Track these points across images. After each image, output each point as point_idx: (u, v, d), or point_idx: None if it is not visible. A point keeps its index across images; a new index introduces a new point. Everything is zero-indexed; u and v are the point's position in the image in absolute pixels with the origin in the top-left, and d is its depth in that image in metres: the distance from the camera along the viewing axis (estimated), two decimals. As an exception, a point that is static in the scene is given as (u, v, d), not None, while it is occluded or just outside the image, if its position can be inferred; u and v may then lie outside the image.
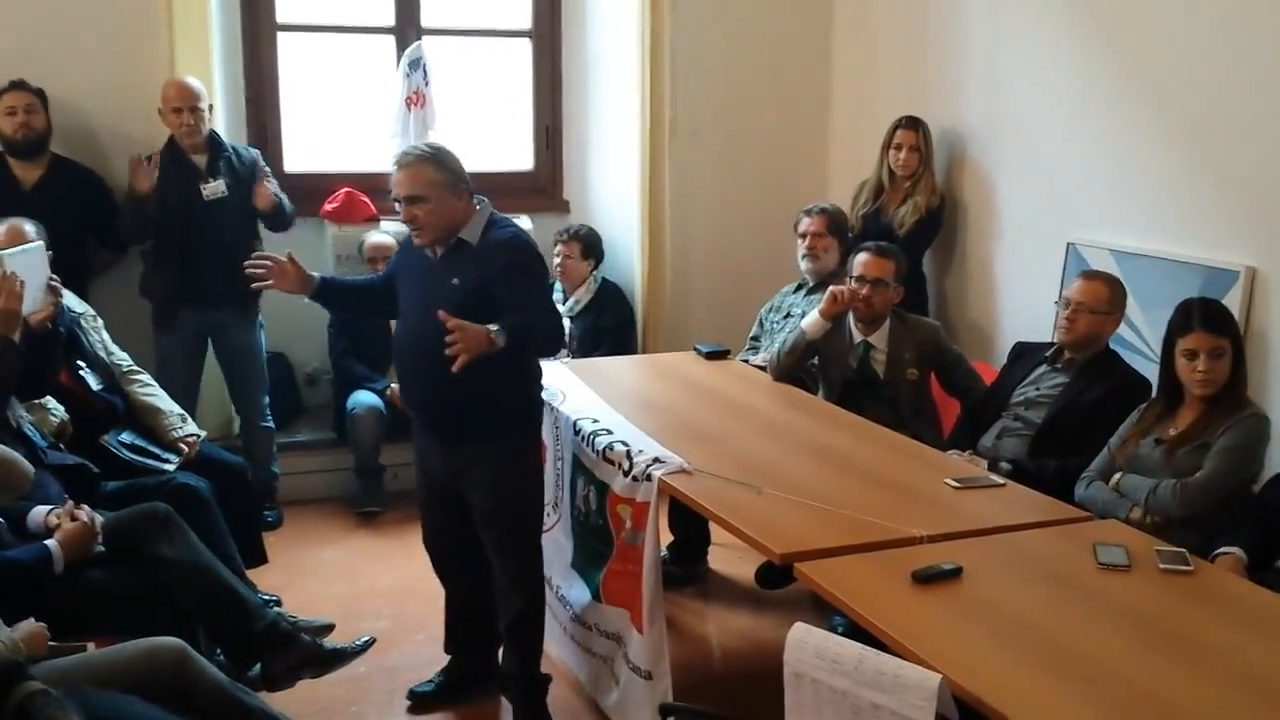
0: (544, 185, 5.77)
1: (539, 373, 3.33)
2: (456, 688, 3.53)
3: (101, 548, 3.02)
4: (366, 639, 3.41)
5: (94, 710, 2.24)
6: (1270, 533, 2.95)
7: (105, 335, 4.00)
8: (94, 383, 3.78)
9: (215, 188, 4.45)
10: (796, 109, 5.72)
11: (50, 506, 3.04)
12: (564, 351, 5.06)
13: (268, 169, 4.68)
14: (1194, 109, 3.93)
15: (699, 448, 3.26)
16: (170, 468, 3.73)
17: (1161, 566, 2.58)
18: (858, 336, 4.09)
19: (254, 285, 3.37)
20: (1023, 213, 4.69)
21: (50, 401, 3.59)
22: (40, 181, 4.52)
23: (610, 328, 5.17)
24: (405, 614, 4.01)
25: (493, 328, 2.97)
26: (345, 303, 3.67)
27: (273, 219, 4.61)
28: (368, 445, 4.93)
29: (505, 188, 5.64)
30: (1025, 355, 3.89)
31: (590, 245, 5.23)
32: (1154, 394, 3.37)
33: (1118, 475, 3.23)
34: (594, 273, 5.24)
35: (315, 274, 3.40)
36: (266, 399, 4.83)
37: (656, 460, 3.13)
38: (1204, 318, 3.12)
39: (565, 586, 3.60)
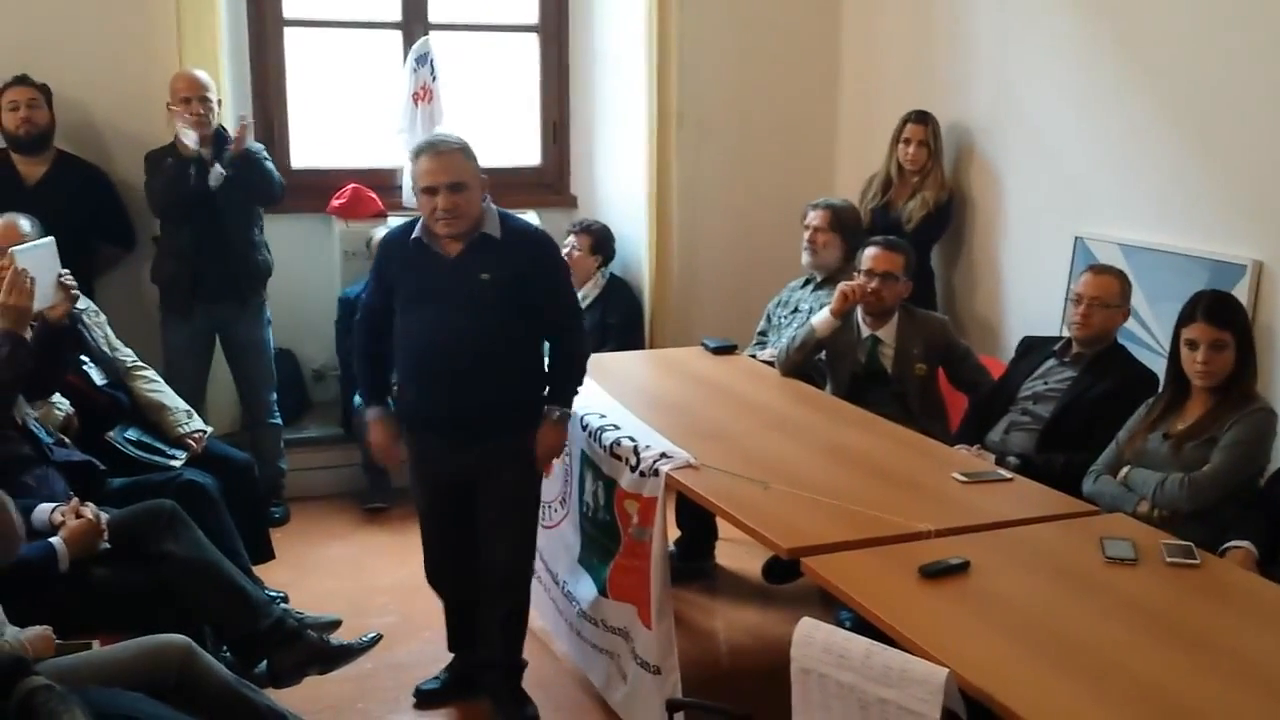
0: (551, 180, 5.77)
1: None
2: (462, 684, 3.52)
3: (107, 545, 3.02)
4: (373, 635, 3.42)
5: (98, 708, 2.25)
6: (1277, 526, 2.94)
7: (109, 331, 3.99)
8: (98, 378, 3.79)
9: (215, 172, 4.43)
10: (804, 103, 5.71)
11: (55, 504, 3.05)
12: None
13: (251, 126, 4.60)
14: (1202, 102, 3.91)
15: (706, 443, 3.26)
16: (177, 464, 3.72)
17: (1168, 560, 2.57)
18: (866, 331, 4.08)
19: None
20: (1030, 207, 4.68)
21: (56, 397, 3.59)
22: (44, 177, 4.52)
23: (618, 323, 5.16)
24: (412, 610, 4.01)
25: (555, 414, 3.24)
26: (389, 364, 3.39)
27: (252, 176, 4.49)
28: (375, 442, 4.93)
29: (512, 183, 5.64)
30: (1033, 349, 3.87)
31: (600, 241, 5.22)
32: (1161, 386, 3.35)
33: (1125, 469, 3.22)
34: (601, 269, 5.23)
35: (386, 411, 3.35)
36: (274, 395, 4.83)
37: (664, 455, 3.12)
38: (1208, 309, 3.11)
39: (572, 582, 3.60)
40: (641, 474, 3.14)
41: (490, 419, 3.18)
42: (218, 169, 4.42)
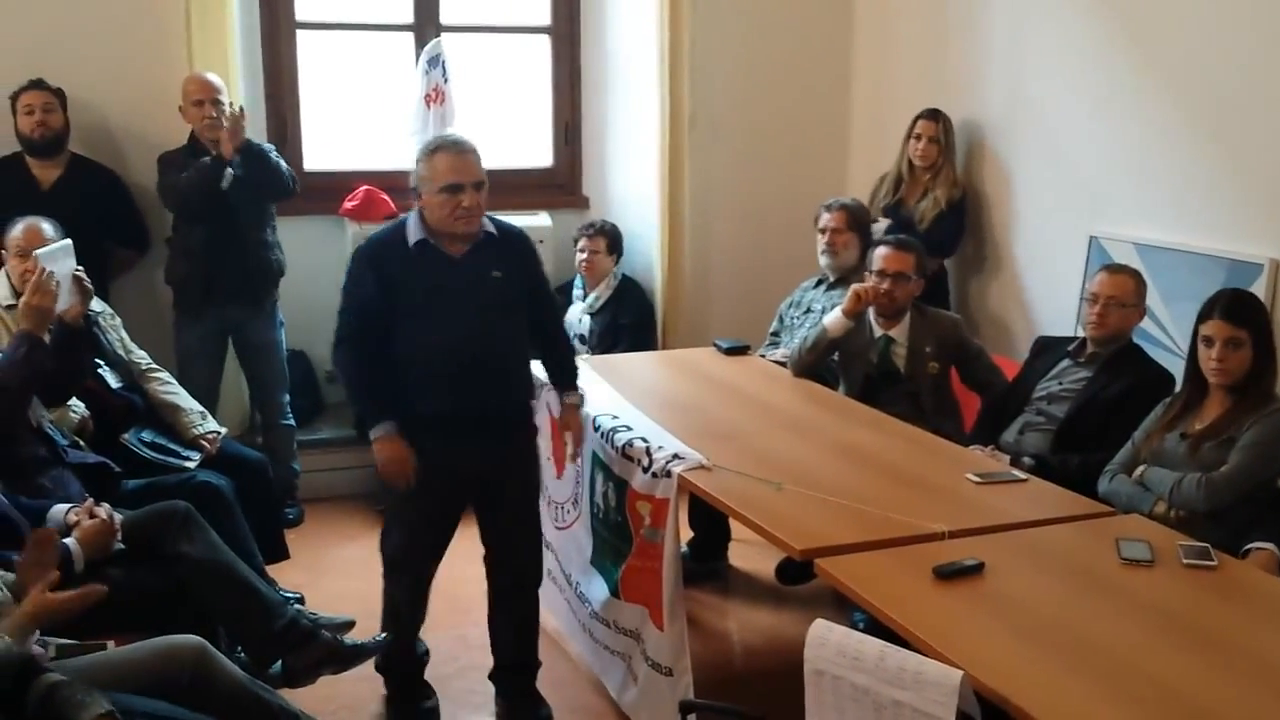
0: (563, 181, 5.76)
1: None
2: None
3: (121, 546, 3.03)
4: (387, 636, 3.42)
5: (119, 706, 2.25)
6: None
7: (124, 334, 4.01)
8: (113, 381, 3.80)
9: (225, 174, 4.44)
10: (816, 103, 5.70)
11: (70, 505, 3.06)
12: (584, 347, 5.06)
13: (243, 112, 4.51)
14: (1217, 100, 3.89)
15: (719, 444, 3.25)
16: (191, 465, 3.74)
17: (1185, 562, 2.56)
18: (878, 331, 4.07)
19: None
20: (1044, 206, 4.66)
21: (71, 400, 3.60)
22: (59, 181, 4.54)
23: (630, 324, 5.16)
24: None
25: (576, 398, 3.43)
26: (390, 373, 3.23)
27: (260, 171, 4.47)
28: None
29: (525, 184, 5.64)
30: (1048, 349, 3.86)
31: (614, 241, 5.23)
32: (1180, 384, 3.33)
33: (1141, 468, 3.20)
34: (614, 268, 5.23)
35: (397, 426, 3.14)
36: (287, 396, 4.85)
37: (676, 456, 3.12)
38: (1226, 306, 3.09)
39: (584, 583, 3.60)
40: (654, 475, 3.14)
41: (513, 417, 3.27)
42: (228, 170, 4.43)
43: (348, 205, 5.21)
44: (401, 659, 3.47)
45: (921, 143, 4.83)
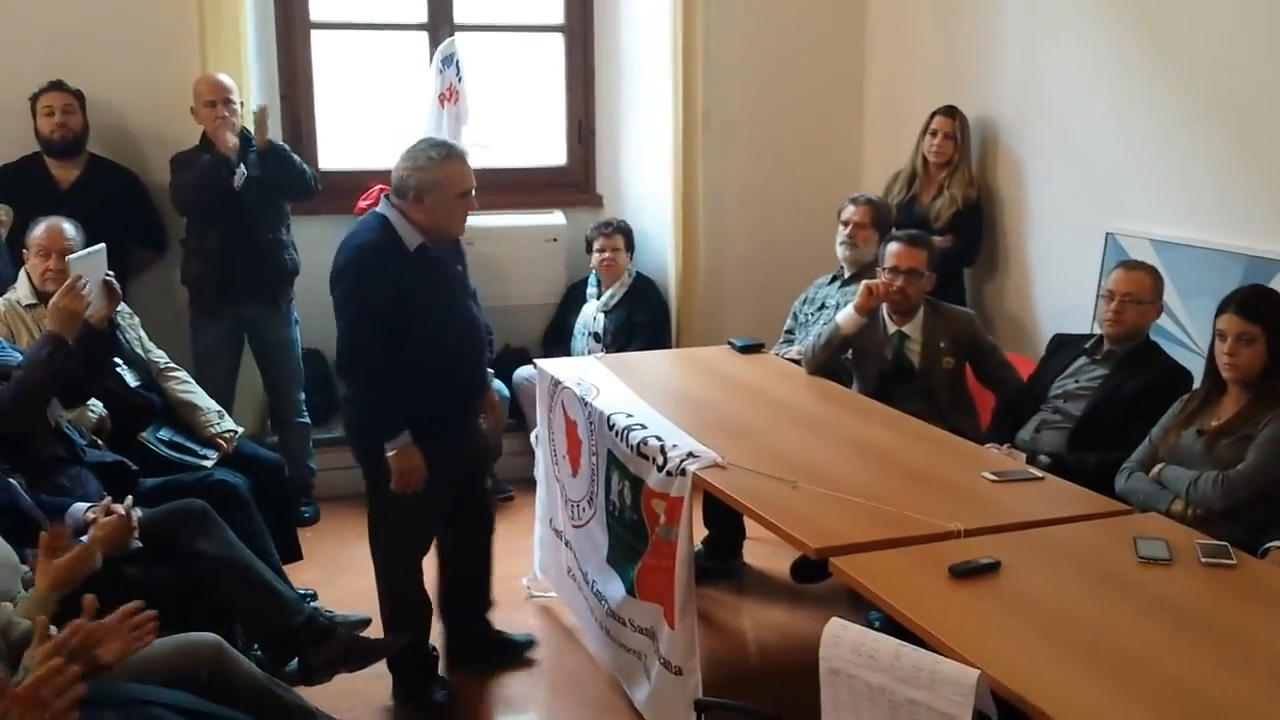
0: (577, 180, 5.77)
1: None
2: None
3: (139, 544, 3.04)
4: (403, 634, 3.42)
5: (135, 699, 2.27)
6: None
7: (142, 333, 4.04)
8: (131, 380, 3.82)
9: (239, 174, 4.46)
10: (830, 101, 5.69)
11: (89, 504, 3.07)
12: (598, 345, 5.07)
13: (267, 110, 4.59)
14: (1234, 95, 3.86)
15: (733, 442, 3.25)
16: (208, 464, 3.76)
17: (1203, 560, 2.54)
18: (892, 327, 4.06)
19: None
20: (1060, 202, 4.64)
21: (89, 399, 3.62)
22: (77, 181, 4.57)
23: (644, 322, 5.16)
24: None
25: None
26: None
27: (282, 171, 4.52)
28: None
29: (538, 183, 5.65)
30: (1064, 347, 3.84)
31: (629, 238, 5.23)
32: (1199, 379, 3.31)
33: (1159, 466, 3.19)
34: (629, 266, 5.24)
35: (409, 440, 3.21)
36: (302, 395, 4.86)
37: (691, 455, 3.12)
38: (1240, 301, 3.08)
39: (600, 581, 3.60)
40: (668, 473, 3.14)
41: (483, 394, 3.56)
42: (241, 169, 4.45)
43: (362, 204, 5.21)
44: (418, 652, 3.50)
45: (937, 139, 4.82)
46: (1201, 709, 1.99)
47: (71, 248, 3.63)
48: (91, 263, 3.37)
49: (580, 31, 5.64)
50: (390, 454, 3.17)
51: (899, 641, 2.08)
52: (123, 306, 4.04)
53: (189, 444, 3.83)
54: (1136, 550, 2.57)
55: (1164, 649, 2.17)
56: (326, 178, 5.17)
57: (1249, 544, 2.79)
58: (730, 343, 4.46)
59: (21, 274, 3.80)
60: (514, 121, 5.72)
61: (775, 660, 3.83)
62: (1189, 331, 3.92)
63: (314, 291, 4.97)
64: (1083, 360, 3.71)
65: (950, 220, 4.76)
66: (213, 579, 3.10)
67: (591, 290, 5.25)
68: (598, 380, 3.81)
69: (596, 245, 5.17)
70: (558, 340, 5.33)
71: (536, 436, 4.22)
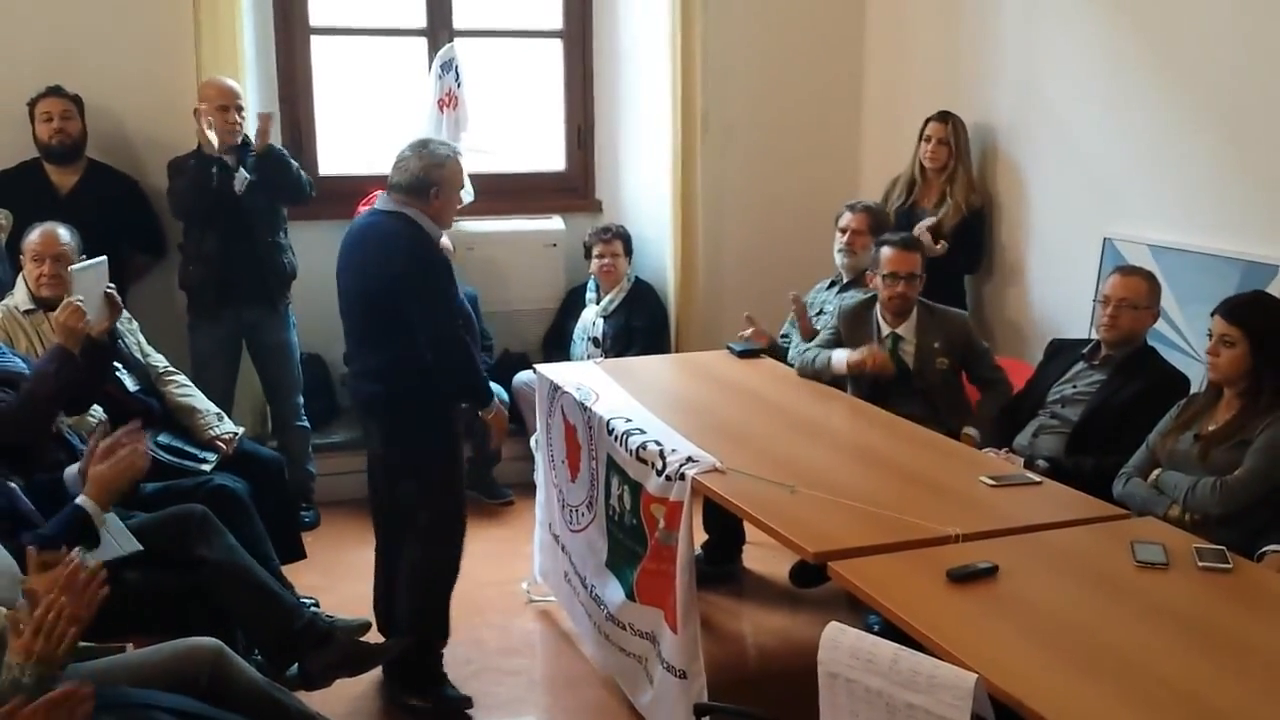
0: (576, 185, 5.77)
1: None
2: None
3: (139, 546, 3.02)
4: (405, 638, 3.43)
5: (135, 703, 2.27)
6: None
7: (141, 338, 4.04)
8: (130, 384, 3.82)
9: (240, 177, 4.47)
10: (829, 106, 5.70)
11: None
12: (597, 350, 5.07)
13: (274, 117, 4.68)
14: (1231, 100, 3.88)
15: (732, 447, 3.26)
16: (208, 468, 3.76)
17: (1200, 565, 2.55)
18: (885, 329, 4.07)
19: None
20: (1058, 208, 4.65)
21: (90, 407, 3.62)
22: (76, 187, 4.57)
23: (643, 327, 5.16)
24: (440, 613, 4.02)
25: None
26: None
27: (280, 176, 4.54)
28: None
29: (537, 188, 5.66)
30: (1062, 352, 3.85)
31: (628, 242, 5.24)
32: (1195, 389, 3.32)
33: (1156, 471, 3.20)
34: (628, 271, 5.25)
35: None
36: (301, 399, 4.86)
37: (690, 460, 3.13)
38: (1229, 304, 3.11)
39: (600, 586, 3.60)
40: (668, 478, 3.15)
41: None
42: (242, 174, 4.46)
43: (362, 209, 5.23)
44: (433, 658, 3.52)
45: (931, 145, 4.83)
46: (1198, 713, 1.99)
47: (66, 253, 3.63)
48: (93, 275, 3.37)
49: (579, 37, 5.65)
50: (490, 415, 3.47)
51: (897, 645, 2.09)
52: (123, 312, 4.06)
53: (188, 448, 3.83)
54: (1134, 555, 2.58)
55: (1161, 653, 2.18)
56: (326, 183, 5.18)
57: (1245, 548, 2.80)
58: (729, 347, 4.47)
59: (19, 280, 3.80)
60: (513, 127, 5.73)
61: (774, 664, 3.84)
62: (1186, 336, 3.93)
63: (314, 297, 4.99)
64: (1080, 365, 3.72)
65: (956, 227, 4.76)
66: (213, 584, 3.10)
67: (591, 295, 5.26)
68: (597, 385, 3.82)
69: (595, 251, 5.18)
70: (557, 345, 5.34)
71: (536, 441, 4.23)
